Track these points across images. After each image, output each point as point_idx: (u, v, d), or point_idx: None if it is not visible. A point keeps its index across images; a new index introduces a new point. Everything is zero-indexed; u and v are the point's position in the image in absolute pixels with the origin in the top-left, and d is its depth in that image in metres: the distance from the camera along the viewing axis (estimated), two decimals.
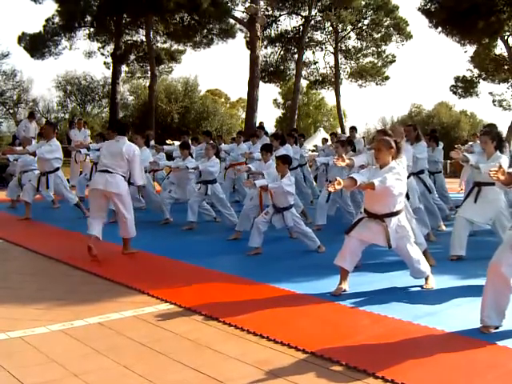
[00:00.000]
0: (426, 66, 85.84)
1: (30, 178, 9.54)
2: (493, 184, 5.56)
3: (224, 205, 8.15)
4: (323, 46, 30.32)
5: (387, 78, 30.90)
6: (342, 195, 8.00)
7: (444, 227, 8.02)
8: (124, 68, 28.73)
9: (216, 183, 8.14)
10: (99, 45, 27.76)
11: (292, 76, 29.91)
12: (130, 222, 6.06)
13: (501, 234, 5.71)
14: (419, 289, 4.76)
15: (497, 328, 3.69)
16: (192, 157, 8.80)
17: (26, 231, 7.88)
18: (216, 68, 76.65)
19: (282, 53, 29.49)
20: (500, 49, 25.42)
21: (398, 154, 4.63)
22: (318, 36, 30.02)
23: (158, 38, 27.81)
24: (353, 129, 12.92)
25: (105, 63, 28.85)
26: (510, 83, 27.37)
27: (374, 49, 30.51)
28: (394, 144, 4.56)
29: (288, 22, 28.70)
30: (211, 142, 10.45)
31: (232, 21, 25.76)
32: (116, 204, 6.02)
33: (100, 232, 5.95)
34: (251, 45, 24.17)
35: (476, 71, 27.36)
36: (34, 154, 8.84)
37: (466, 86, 27.49)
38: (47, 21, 25.69)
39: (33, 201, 8.92)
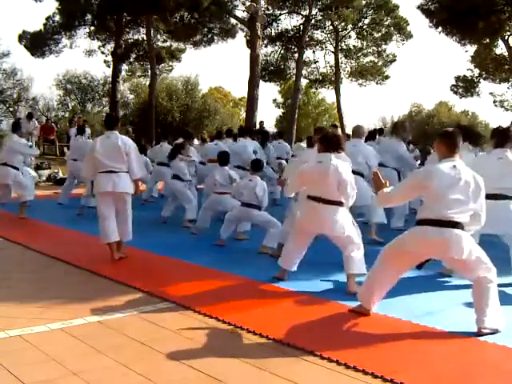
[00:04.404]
0: (427, 65, 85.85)
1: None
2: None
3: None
4: (323, 45, 30.22)
5: (387, 77, 30.84)
6: None
7: None
8: (124, 66, 28.68)
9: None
10: (99, 43, 27.69)
11: (292, 75, 29.83)
12: (130, 223, 5.93)
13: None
14: (419, 289, 4.76)
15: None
16: None
17: (25, 230, 7.87)
18: (218, 66, 76.58)
19: (282, 52, 29.40)
20: (501, 49, 25.39)
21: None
22: (319, 35, 29.93)
23: (159, 36, 27.76)
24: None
25: (105, 62, 28.79)
26: (510, 83, 27.34)
27: (375, 48, 30.41)
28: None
29: (288, 21, 28.83)
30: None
31: (233, 20, 25.74)
32: (123, 205, 5.80)
33: (117, 235, 5.76)
34: (251, 44, 24.12)
35: (476, 71, 27.30)
36: None
37: (466, 86, 27.41)
38: (47, 19, 25.65)
39: (33, 199, 8.90)
